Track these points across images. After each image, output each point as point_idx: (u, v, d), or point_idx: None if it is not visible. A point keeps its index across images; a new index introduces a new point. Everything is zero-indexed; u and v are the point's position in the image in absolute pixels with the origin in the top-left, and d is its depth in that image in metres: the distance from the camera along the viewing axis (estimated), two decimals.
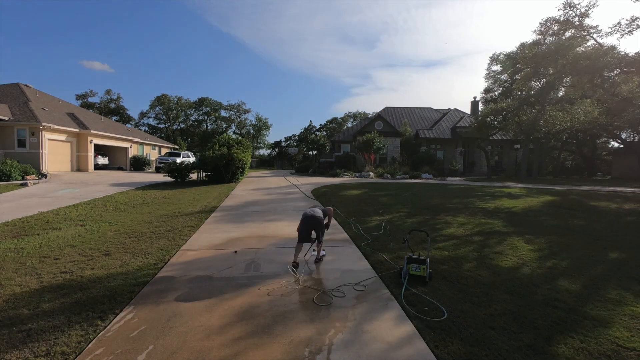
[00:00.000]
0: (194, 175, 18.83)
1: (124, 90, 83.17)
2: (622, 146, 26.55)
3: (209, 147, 17.58)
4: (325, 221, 4.80)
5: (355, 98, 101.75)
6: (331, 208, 5.08)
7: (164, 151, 35.23)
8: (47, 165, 18.87)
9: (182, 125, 60.74)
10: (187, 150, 39.81)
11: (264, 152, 62.83)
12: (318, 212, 4.67)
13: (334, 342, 2.78)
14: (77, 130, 21.72)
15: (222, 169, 16.46)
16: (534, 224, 7.40)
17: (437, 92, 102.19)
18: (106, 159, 27.02)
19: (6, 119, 18.09)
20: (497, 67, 25.43)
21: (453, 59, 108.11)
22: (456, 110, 33.57)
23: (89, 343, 2.73)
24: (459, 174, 27.07)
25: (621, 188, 15.22)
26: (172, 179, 17.49)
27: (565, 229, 7.00)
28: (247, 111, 62.36)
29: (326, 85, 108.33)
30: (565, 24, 20.43)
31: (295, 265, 4.37)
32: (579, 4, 19.58)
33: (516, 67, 23.49)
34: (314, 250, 4.87)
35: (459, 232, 6.65)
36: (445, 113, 33.76)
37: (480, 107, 29.63)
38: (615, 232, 6.86)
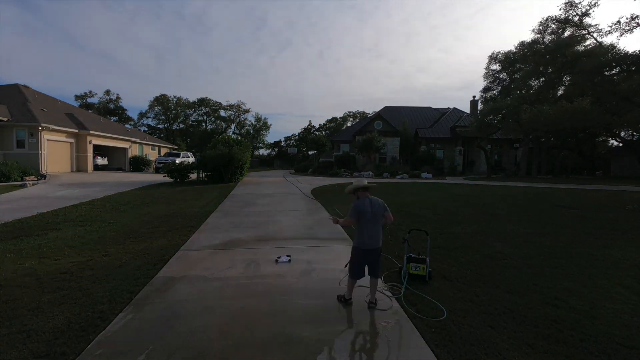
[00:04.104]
0: (193, 176, 18.82)
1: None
2: (621, 145, 26.57)
3: (209, 147, 17.57)
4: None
5: None
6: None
7: (163, 151, 35.20)
8: (46, 166, 18.84)
9: (182, 126, 60.69)
10: (187, 150, 39.77)
11: (264, 152, 62.90)
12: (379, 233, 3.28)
13: (334, 342, 2.78)
14: (77, 130, 21.69)
15: (221, 169, 16.46)
16: None
17: None
18: (105, 159, 26.99)
19: (5, 119, 18.05)
20: (495, 67, 25.54)
21: None
22: (455, 109, 33.62)
23: (89, 343, 2.73)
24: (458, 173, 27.09)
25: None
26: (171, 180, 17.48)
27: None
28: (246, 111, 62.40)
29: None
30: (565, 22, 20.48)
31: (350, 302, 3.38)
32: (580, 3, 19.64)
33: (516, 66, 23.51)
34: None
35: None
36: (444, 112, 33.80)
37: (480, 106, 29.66)
38: None
